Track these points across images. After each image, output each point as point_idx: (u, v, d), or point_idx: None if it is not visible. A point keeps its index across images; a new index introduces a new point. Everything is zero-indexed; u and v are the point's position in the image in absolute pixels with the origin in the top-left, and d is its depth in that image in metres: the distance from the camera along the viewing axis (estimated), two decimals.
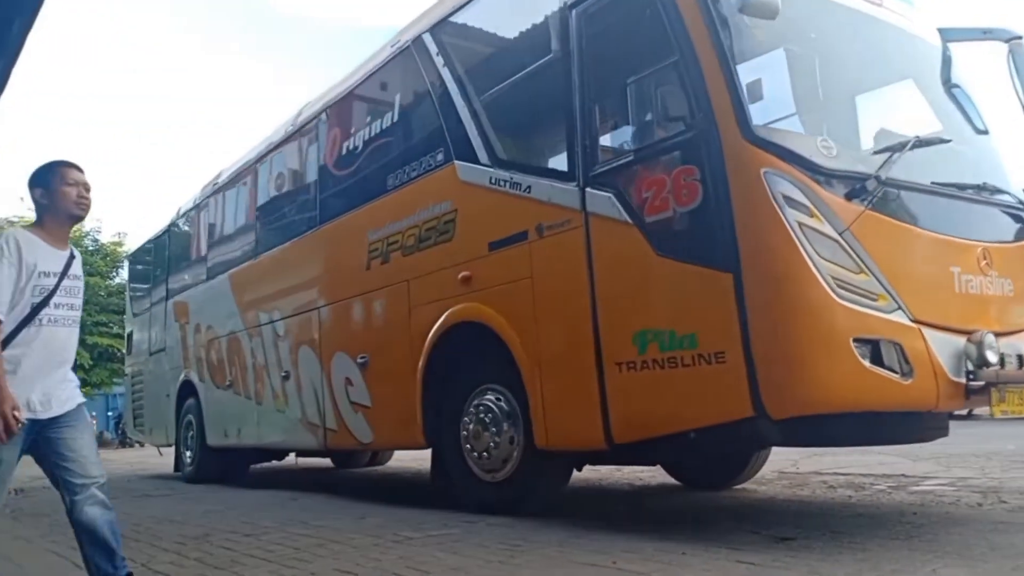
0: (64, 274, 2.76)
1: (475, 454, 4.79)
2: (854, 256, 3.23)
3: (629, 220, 3.73)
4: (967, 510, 4.17)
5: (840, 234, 3.23)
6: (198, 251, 9.28)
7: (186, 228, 9.75)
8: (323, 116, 6.68)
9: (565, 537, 3.74)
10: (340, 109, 6.49)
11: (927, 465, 6.10)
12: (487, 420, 4.69)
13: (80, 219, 2.90)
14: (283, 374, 6.99)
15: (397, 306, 5.47)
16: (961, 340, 3.40)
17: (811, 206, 3.22)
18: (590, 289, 3.94)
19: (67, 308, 2.78)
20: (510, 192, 4.47)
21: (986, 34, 4.59)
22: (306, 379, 6.64)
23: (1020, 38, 4.44)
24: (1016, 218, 4.03)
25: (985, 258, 3.64)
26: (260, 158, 7.86)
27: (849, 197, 3.30)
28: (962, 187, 3.78)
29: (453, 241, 4.94)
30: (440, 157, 5.12)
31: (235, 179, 8.41)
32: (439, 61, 5.16)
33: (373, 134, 5.91)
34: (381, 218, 5.70)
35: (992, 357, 3.34)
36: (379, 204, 5.75)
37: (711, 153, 3.38)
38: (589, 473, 6.41)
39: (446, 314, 4.93)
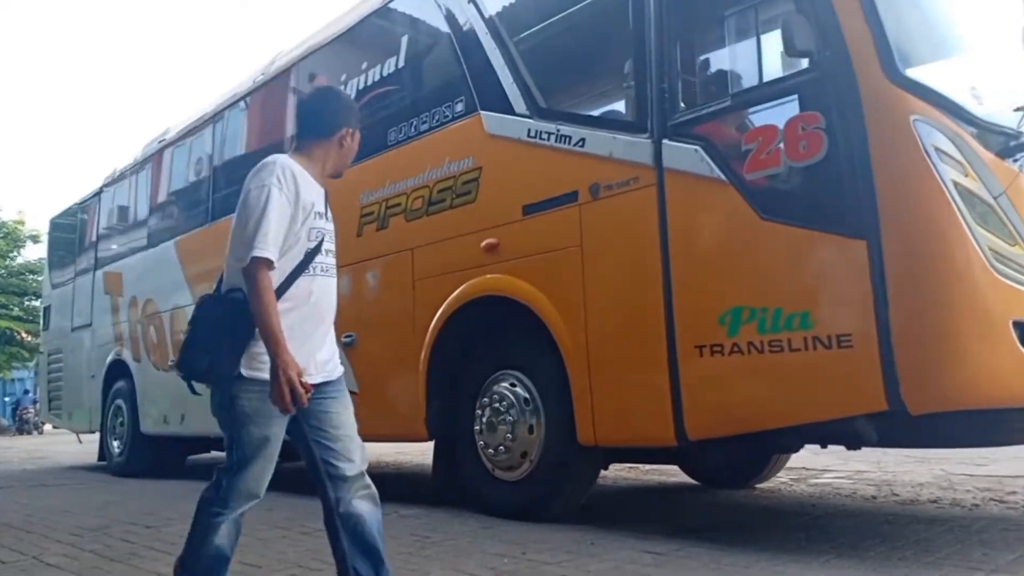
0: (327, 214, 2.27)
1: (490, 449, 4.15)
2: (1009, 224, 2.74)
3: (723, 177, 3.15)
4: (862, 503, 4.35)
5: (995, 198, 2.73)
6: (136, 216, 8.26)
7: (122, 190, 8.68)
8: (304, 63, 5.87)
9: (478, 528, 3.72)
10: (326, 54, 5.71)
11: (827, 458, 6.16)
12: (502, 410, 4.07)
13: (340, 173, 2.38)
14: None
15: (397, 278, 4.77)
16: None
17: (966, 163, 2.71)
18: (662, 259, 3.35)
19: (332, 255, 2.28)
20: (555, 147, 3.84)
21: None
22: None
23: None
24: None
25: None
26: (219, 112, 6.96)
27: (1003, 156, 2.81)
28: None
29: (475, 204, 4.28)
30: (460, 107, 4.44)
31: (187, 135, 7.46)
32: None
33: (370, 83, 5.18)
34: (378, 178, 4.97)
35: None
36: (376, 162, 5.02)
37: (844, 97, 2.83)
38: None
39: (464, 287, 4.26)
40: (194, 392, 2.18)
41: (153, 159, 7.99)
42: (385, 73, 5.06)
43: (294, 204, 2.12)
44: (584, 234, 3.69)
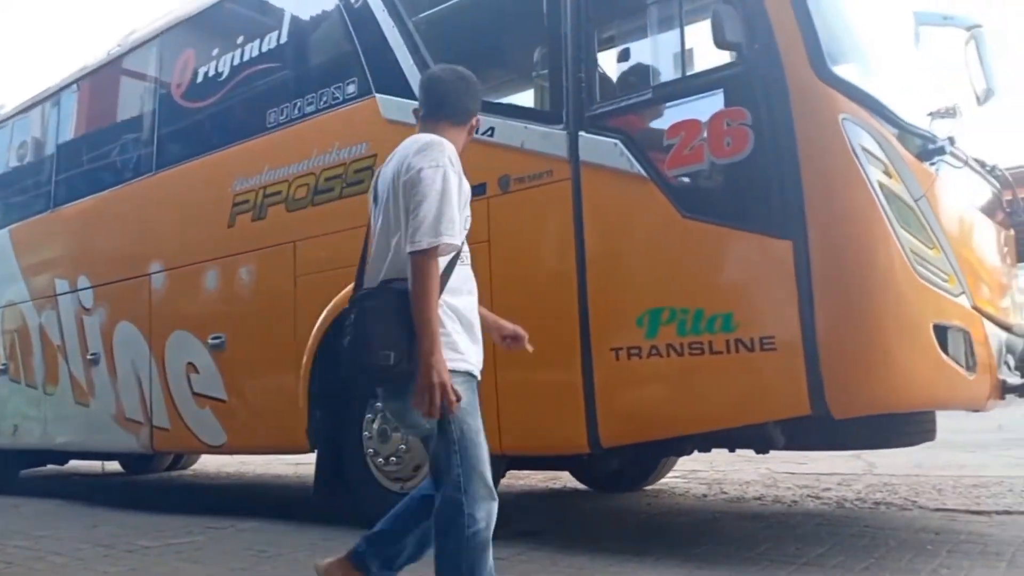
0: None
1: (380, 459, 3.84)
2: (928, 228, 2.75)
3: (644, 173, 3.01)
4: (693, 501, 4.54)
5: (916, 201, 2.74)
6: None
7: None
8: (170, 34, 5.31)
9: (319, 540, 3.59)
10: (198, 25, 5.18)
11: None
12: None
13: None
14: (90, 356, 5.48)
15: (276, 274, 4.36)
16: (1003, 333, 3.05)
17: (890, 164, 2.70)
18: (577, 257, 3.18)
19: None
20: None
21: (946, 20, 4.42)
22: (125, 364, 5.22)
23: (980, 27, 4.31)
24: (1005, 208, 3.81)
25: (1005, 245, 3.35)
26: (62, 89, 6.22)
27: (921, 159, 2.83)
28: (987, 167, 3.48)
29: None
30: (352, 89, 4.10)
31: (23, 112, 6.63)
32: None
33: (247, 58, 4.72)
34: (255, 163, 4.54)
35: None
36: (251, 146, 4.59)
37: (772, 93, 2.75)
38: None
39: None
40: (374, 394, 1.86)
41: None
42: (265, 49, 4.62)
43: (459, 188, 1.97)
44: (492, 229, 3.45)
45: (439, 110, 2.13)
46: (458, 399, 1.87)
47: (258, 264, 4.48)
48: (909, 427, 3.21)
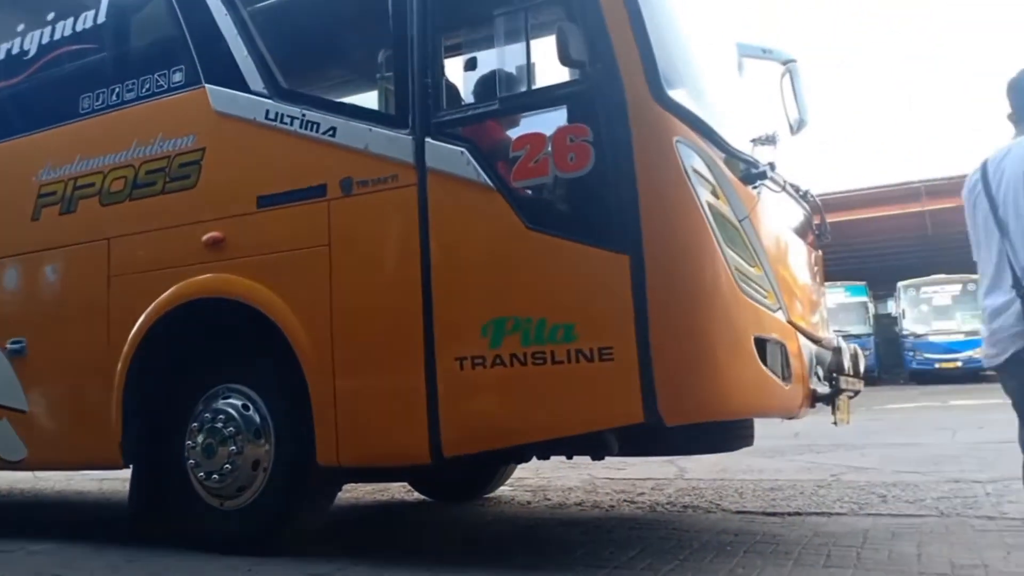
0: None
1: (201, 473, 3.61)
2: (750, 247, 2.95)
3: (490, 183, 3.01)
4: (518, 508, 4.62)
5: (740, 221, 2.92)
6: None
7: None
8: None
9: (121, 562, 3.41)
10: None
11: None
12: (227, 432, 3.56)
13: None
14: None
15: (86, 272, 3.99)
16: (813, 346, 3.33)
17: (717, 186, 2.87)
18: (422, 265, 3.13)
19: None
20: (300, 133, 3.44)
21: (765, 53, 4.78)
22: None
23: (795, 61, 4.69)
24: (814, 229, 4.16)
25: (815, 264, 3.66)
26: None
27: (746, 182, 3.02)
28: (800, 192, 3.78)
29: (196, 190, 3.71)
30: (179, 77, 3.83)
31: None
32: None
33: (58, 37, 4.29)
34: (64, 151, 4.14)
35: (847, 364, 3.32)
36: (62, 132, 4.19)
37: (612, 112, 2.84)
38: None
39: (178, 286, 3.66)
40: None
41: None
42: (79, 28, 4.22)
43: None
44: (333, 233, 3.34)
45: None
46: None
47: (66, 262, 4.09)
48: (731, 433, 3.43)
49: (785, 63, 4.67)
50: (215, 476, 3.54)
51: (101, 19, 4.17)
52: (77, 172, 4.08)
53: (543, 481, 5.68)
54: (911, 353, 22.90)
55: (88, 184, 4.04)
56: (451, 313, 3.08)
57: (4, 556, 3.65)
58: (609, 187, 2.84)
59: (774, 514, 4.06)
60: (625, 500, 4.68)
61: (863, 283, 24.02)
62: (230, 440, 3.52)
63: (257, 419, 3.52)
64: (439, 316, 3.09)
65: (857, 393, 3.65)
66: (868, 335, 22.64)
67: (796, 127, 4.58)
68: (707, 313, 2.76)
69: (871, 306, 24.66)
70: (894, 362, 23.84)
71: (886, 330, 24.58)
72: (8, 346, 4.18)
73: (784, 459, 6.40)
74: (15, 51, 4.46)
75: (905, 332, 23.07)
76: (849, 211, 19.98)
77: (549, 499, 4.87)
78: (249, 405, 3.54)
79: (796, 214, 3.70)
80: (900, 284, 23.59)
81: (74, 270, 4.06)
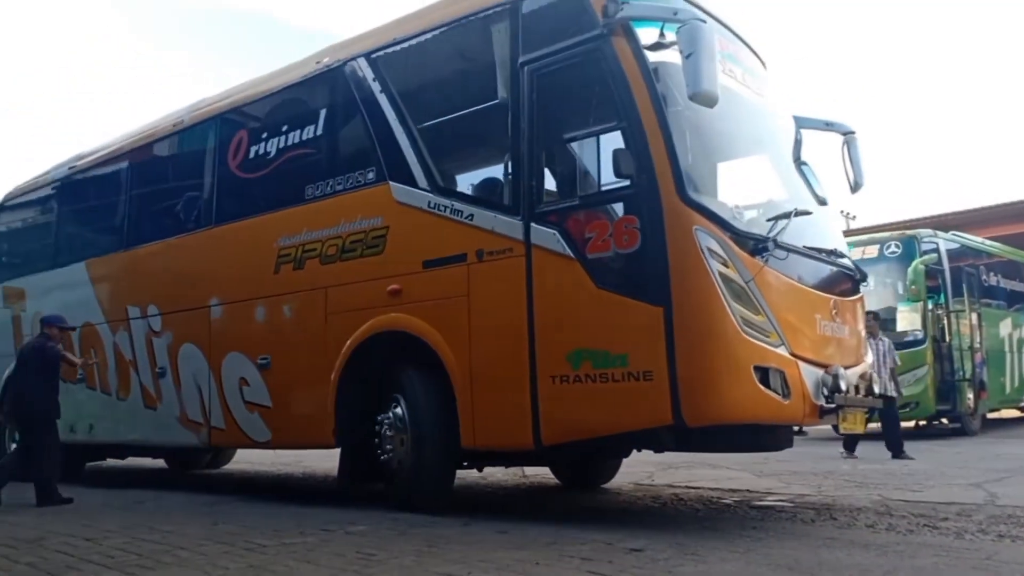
0: None
1: (381, 452, 5.20)
2: (755, 301, 4.11)
3: (571, 255, 4.38)
4: (802, 526, 4.41)
5: (746, 283, 4.10)
6: (44, 235, 8.74)
7: (27, 211, 9.10)
8: (229, 115, 6.74)
9: (423, 547, 3.78)
10: (251, 111, 6.61)
11: (769, 481, 6.50)
12: (394, 423, 5.12)
13: None
14: (158, 370, 6.90)
15: (311, 311, 5.74)
16: (819, 371, 4.39)
17: (727, 258, 4.06)
18: (528, 310, 4.55)
19: None
20: (450, 217, 4.97)
21: (828, 126, 5.78)
22: (187, 376, 6.64)
23: (854, 133, 5.66)
24: (851, 278, 5.17)
25: (835, 308, 4.70)
26: (139, 147, 7.66)
27: (753, 253, 4.19)
28: (820, 251, 4.84)
29: (383, 255, 5.33)
30: (372, 176, 5.49)
31: (103, 164, 8.08)
32: (375, 86, 5.54)
33: (290, 143, 6.12)
34: (295, 226, 5.92)
35: (843, 385, 4.36)
36: (294, 212, 5.98)
37: (651, 209, 4.13)
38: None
39: (371, 321, 5.30)
40: None
41: (64, 182, 8.49)
42: (304, 137, 6.03)
43: None
44: (470, 287, 4.83)
45: None
46: None
47: (297, 304, 5.87)
48: (762, 437, 4.56)
49: (845, 134, 5.70)
50: (385, 455, 5.13)
51: (319, 132, 5.95)
52: (304, 240, 5.86)
53: (828, 500, 5.42)
54: None
55: (312, 249, 5.80)
56: (547, 345, 4.47)
57: (326, 535, 4.21)
58: (650, 260, 4.12)
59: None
60: (926, 525, 4.31)
61: None
62: (391, 431, 5.10)
63: (406, 417, 5.04)
64: (539, 347, 4.49)
65: (873, 410, 4.64)
66: None
67: (854, 188, 5.62)
68: (714, 349, 3.97)
69: None
70: None
71: None
72: (258, 361, 6.04)
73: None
74: (261, 152, 6.35)
75: None
76: None
77: (836, 519, 4.60)
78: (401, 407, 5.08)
79: (815, 271, 4.76)
80: None
81: (303, 309, 5.83)
